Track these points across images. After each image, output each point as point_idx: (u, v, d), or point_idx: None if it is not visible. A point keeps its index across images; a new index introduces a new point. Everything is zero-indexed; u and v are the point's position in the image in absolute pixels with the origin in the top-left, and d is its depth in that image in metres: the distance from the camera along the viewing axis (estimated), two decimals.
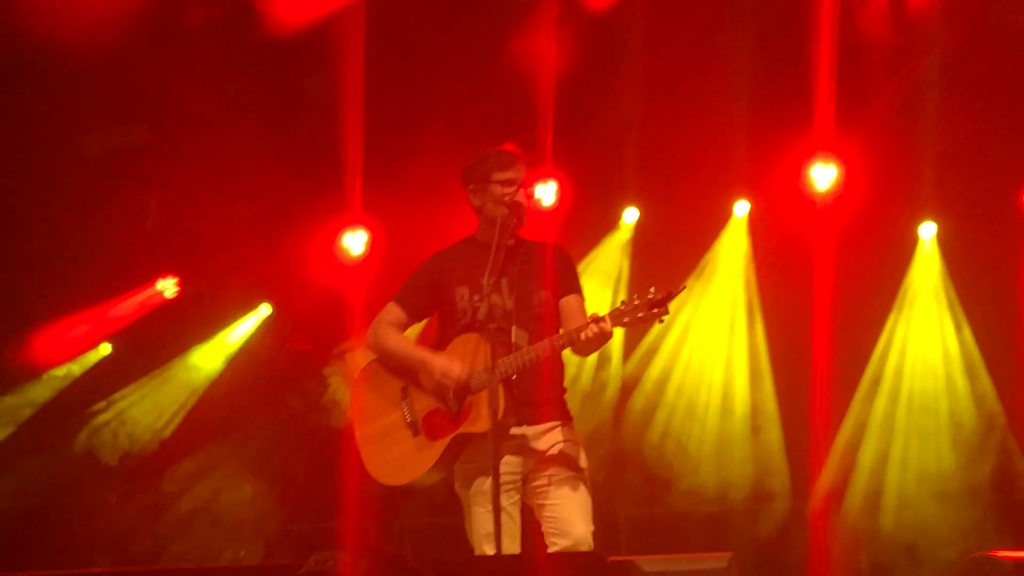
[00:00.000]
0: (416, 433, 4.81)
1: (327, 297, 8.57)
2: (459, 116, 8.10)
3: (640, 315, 4.53)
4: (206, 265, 8.88)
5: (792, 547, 8.07)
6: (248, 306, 9.27)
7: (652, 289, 4.53)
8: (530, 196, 4.99)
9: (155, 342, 9.10)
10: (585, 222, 8.40)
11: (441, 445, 4.73)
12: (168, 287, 9.17)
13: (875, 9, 7.72)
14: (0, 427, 8.87)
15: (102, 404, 9.01)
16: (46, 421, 8.94)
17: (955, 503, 8.02)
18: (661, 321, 4.61)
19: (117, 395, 9.09)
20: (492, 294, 4.69)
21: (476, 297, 4.72)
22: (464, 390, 4.71)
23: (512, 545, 4.67)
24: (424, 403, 4.81)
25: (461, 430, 4.64)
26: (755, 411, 8.47)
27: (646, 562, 4.55)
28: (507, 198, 4.84)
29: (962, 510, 7.97)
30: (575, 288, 4.90)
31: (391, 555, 2.70)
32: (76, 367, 9.14)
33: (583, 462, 4.79)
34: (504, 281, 4.80)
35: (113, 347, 9.17)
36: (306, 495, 8.72)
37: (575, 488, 4.75)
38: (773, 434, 8.47)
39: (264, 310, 9.33)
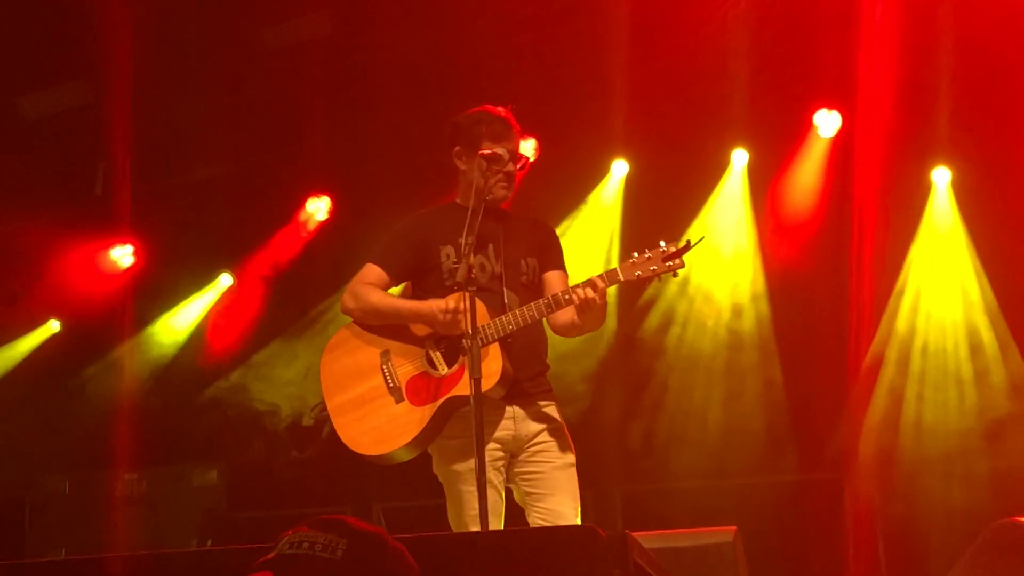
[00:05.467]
0: (399, 399, 4.44)
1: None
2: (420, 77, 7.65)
3: (653, 267, 4.12)
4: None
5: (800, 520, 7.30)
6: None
7: (662, 242, 4.14)
8: (525, 168, 4.54)
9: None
10: (571, 178, 7.86)
11: (429, 410, 4.35)
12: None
13: None
14: None
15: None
16: None
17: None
18: (675, 275, 4.18)
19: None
20: (477, 255, 4.40)
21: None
22: (457, 348, 4.35)
23: (497, 524, 4.36)
24: (407, 368, 4.43)
25: (452, 393, 4.26)
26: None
27: (645, 538, 3.99)
28: (496, 178, 4.45)
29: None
30: (561, 265, 4.61)
31: (372, 534, 2.23)
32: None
33: (572, 447, 4.49)
34: (491, 246, 4.48)
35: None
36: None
37: (568, 477, 4.47)
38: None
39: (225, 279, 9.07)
